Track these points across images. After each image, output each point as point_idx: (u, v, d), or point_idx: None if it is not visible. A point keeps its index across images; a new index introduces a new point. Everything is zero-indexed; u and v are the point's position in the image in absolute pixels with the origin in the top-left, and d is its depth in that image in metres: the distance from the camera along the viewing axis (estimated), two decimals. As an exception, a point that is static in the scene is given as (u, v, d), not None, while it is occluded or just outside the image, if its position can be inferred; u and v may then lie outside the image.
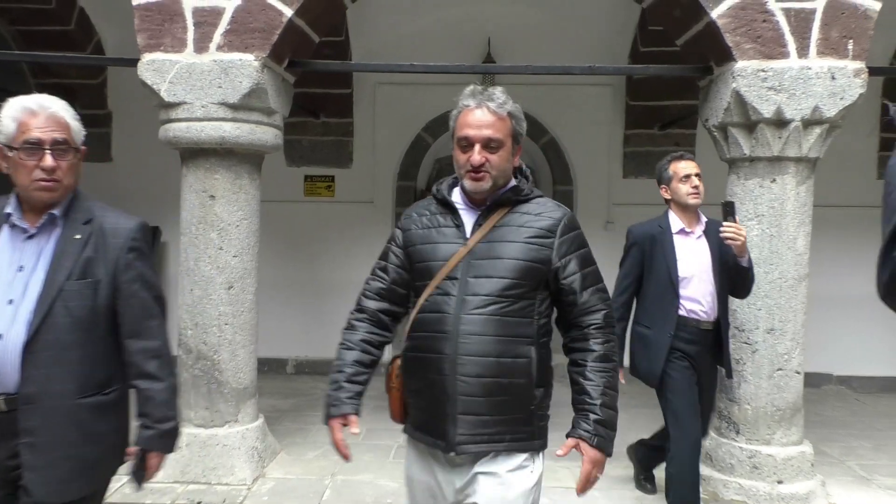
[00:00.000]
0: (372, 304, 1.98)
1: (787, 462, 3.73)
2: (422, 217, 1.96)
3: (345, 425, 1.86)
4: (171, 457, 3.76)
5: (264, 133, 3.84)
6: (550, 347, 1.92)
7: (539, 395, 1.85)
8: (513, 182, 1.91)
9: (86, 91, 6.35)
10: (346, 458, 1.90)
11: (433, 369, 1.81)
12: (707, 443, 3.99)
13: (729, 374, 3.47)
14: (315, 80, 6.19)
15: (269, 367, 6.59)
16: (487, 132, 1.78)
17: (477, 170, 1.79)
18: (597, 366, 1.82)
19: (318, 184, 6.55)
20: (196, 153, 3.79)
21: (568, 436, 1.83)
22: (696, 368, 3.27)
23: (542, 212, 1.86)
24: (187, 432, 3.87)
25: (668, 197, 3.29)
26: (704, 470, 3.94)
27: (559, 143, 6.61)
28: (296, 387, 6.14)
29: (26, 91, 5.63)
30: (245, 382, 3.97)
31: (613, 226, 6.49)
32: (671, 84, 6.04)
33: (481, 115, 1.79)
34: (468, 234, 1.86)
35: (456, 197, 1.93)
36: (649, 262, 3.28)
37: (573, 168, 6.60)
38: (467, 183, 1.84)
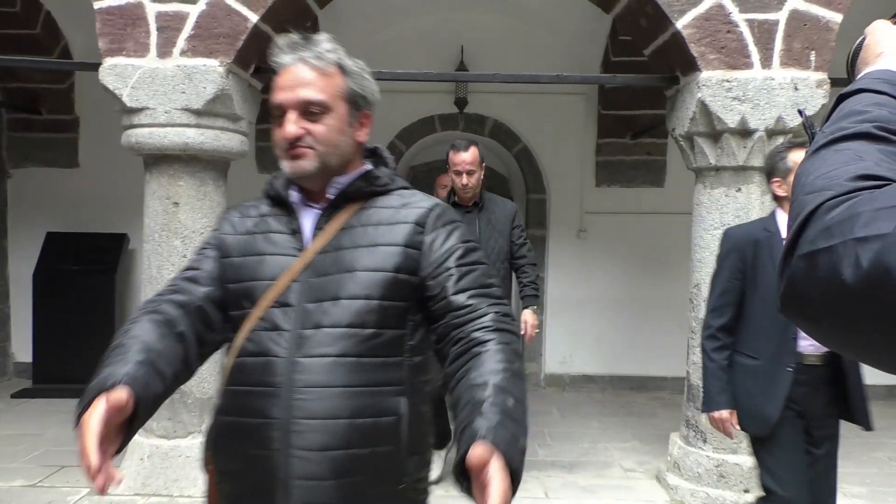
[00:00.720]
0: (171, 311, 1.33)
1: (753, 471, 3.73)
2: (245, 220, 1.42)
3: (115, 409, 1.06)
4: (132, 468, 3.76)
5: (229, 139, 3.80)
6: (428, 394, 1.39)
7: (412, 467, 1.30)
8: (365, 167, 1.41)
9: (52, 96, 6.24)
10: (93, 476, 1.01)
11: (256, 441, 1.25)
12: (675, 451, 4.00)
13: (867, 425, 2.59)
14: (287, 87, 6.15)
15: (239, 377, 6.51)
16: (305, 93, 1.29)
17: (293, 144, 1.30)
18: (493, 365, 1.17)
19: (290, 191, 6.50)
20: (159, 159, 3.73)
21: (465, 444, 1.03)
22: (804, 418, 2.55)
23: (407, 203, 1.37)
24: (149, 443, 3.80)
25: (782, 193, 2.56)
26: (671, 479, 3.95)
27: (532, 151, 6.63)
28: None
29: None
30: (209, 393, 3.90)
31: (586, 234, 6.52)
32: (643, 94, 6.08)
33: (297, 71, 1.31)
34: (307, 243, 1.35)
35: (295, 195, 1.40)
36: (752, 273, 2.58)
37: (546, 176, 6.62)
38: (285, 164, 1.34)
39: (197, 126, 3.65)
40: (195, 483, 3.76)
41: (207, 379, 3.88)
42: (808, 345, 2.47)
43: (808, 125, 0.82)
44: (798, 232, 0.60)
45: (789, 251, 0.61)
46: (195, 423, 3.84)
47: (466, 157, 3.76)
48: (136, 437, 3.87)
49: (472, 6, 6.18)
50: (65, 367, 5.85)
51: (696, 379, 3.87)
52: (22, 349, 6.41)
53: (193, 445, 3.81)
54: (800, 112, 0.91)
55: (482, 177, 3.91)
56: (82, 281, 5.96)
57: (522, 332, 3.80)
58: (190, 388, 3.81)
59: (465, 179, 3.76)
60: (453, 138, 7.26)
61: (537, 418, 5.49)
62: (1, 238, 6.37)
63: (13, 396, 5.78)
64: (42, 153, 6.37)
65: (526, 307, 3.94)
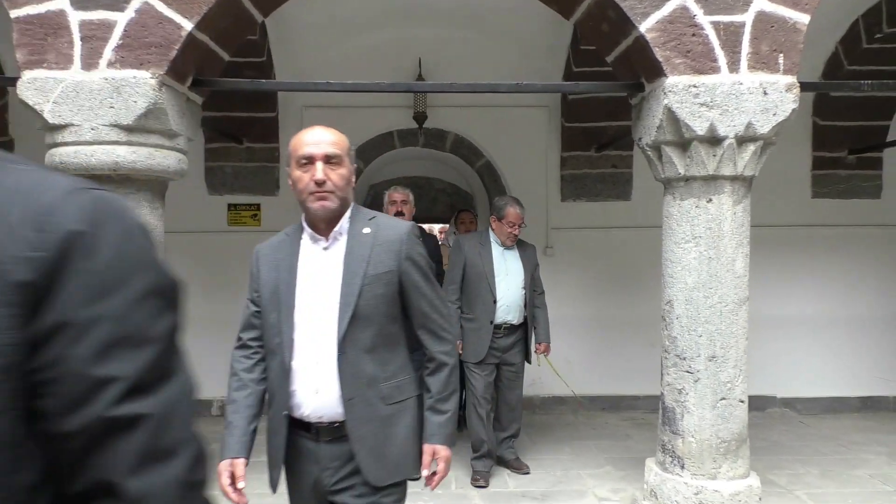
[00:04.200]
0: None
1: (734, 497, 3.52)
2: None
3: None
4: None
5: (165, 157, 3.49)
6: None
7: None
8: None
9: (-15, 117, 5.88)
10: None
11: None
12: (651, 478, 3.77)
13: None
14: (238, 104, 5.88)
15: (192, 410, 6.13)
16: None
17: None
18: None
19: (243, 213, 6.19)
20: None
21: None
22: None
23: None
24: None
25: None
26: (650, 509, 3.71)
27: (495, 166, 6.42)
28: (219, 430, 5.67)
29: None
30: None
31: (553, 251, 6.31)
32: (607, 105, 5.93)
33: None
34: None
35: None
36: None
37: (510, 192, 6.39)
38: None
39: (128, 143, 3.34)
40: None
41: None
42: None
43: None
44: None
45: None
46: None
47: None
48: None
49: (429, 20, 5.98)
50: None
51: (671, 401, 3.66)
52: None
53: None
54: None
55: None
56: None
57: None
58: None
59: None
60: (413, 155, 7.06)
61: (507, 445, 5.22)
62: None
63: None
64: (-26, 178, 5.96)
65: None
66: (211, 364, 6.06)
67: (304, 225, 2.01)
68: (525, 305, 4.53)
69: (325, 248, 1.99)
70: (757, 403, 6.15)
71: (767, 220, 6.06)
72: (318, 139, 1.91)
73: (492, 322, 4.39)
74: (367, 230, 1.98)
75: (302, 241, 2.03)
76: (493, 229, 4.57)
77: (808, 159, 6.40)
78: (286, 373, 1.95)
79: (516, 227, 4.49)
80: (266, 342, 2.04)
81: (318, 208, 1.89)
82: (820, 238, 6.31)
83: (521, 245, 4.65)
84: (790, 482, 4.42)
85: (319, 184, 1.86)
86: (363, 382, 1.92)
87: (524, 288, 4.53)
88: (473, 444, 4.51)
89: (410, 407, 2.00)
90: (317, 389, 1.92)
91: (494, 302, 4.39)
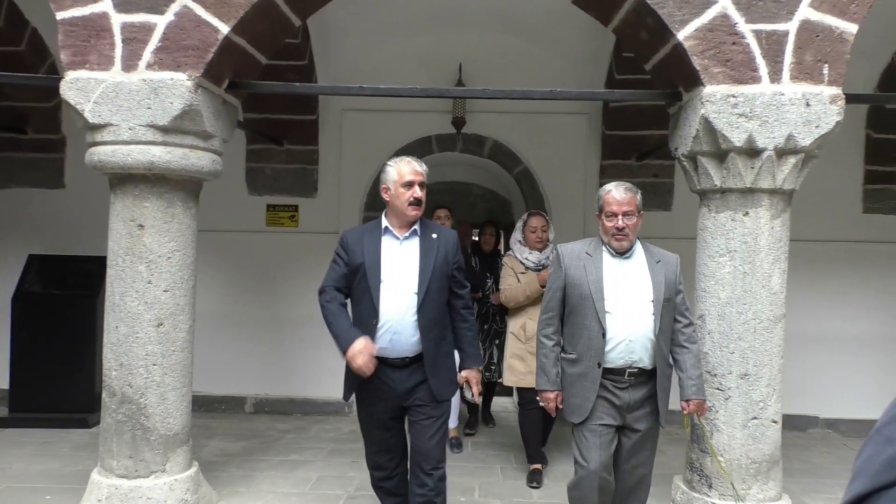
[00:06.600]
0: None
1: (763, 522, 3.40)
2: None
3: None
4: (88, 511, 3.46)
5: (199, 158, 3.56)
6: None
7: None
8: None
9: (39, 115, 6.08)
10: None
11: None
12: (678, 496, 3.68)
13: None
14: (279, 106, 5.96)
15: (226, 406, 6.24)
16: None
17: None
18: None
19: (281, 213, 6.27)
20: (124, 179, 3.50)
21: None
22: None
23: None
24: (108, 483, 3.53)
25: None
26: (675, 529, 3.61)
27: (533, 173, 6.36)
28: (252, 427, 5.77)
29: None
30: (175, 428, 3.63)
31: (589, 259, 6.21)
32: (649, 113, 5.81)
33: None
34: None
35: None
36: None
37: (548, 199, 6.34)
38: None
39: (164, 144, 3.42)
40: (156, 527, 3.47)
41: (173, 414, 3.61)
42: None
43: None
44: None
45: None
46: (158, 461, 3.56)
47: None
48: (94, 476, 3.60)
49: (471, 24, 5.97)
50: (42, 395, 5.62)
51: (702, 418, 3.55)
52: (1, 376, 6.17)
53: (156, 486, 3.53)
54: None
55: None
56: (64, 305, 5.74)
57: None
58: (154, 424, 3.54)
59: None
60: (451, 160, 7.05)
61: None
62: (-17, 260, 6.18)
63: (-12, 426, 5.54)
64: (27, 174, 6.20)
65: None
66: (245, 363, 6.19)
67: None
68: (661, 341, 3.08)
69: None
70: (798, 423, 5.95)
71: (815, 235, 5.86)
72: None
73: (600, 364, 2.99)
74: None
75: None
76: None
77: (861, 173, 6.16)
78: None
79: (618, 217, 3.13)
80: None
81: None
82: (872, 254, 6.06)
83: (648, 252, 3.20)
84: (828, 508, 4.25)
85: None
86: None
87: (655, 314, 3.01)
88: None
89: None
90: None
91: (604, 335, 2.99)
